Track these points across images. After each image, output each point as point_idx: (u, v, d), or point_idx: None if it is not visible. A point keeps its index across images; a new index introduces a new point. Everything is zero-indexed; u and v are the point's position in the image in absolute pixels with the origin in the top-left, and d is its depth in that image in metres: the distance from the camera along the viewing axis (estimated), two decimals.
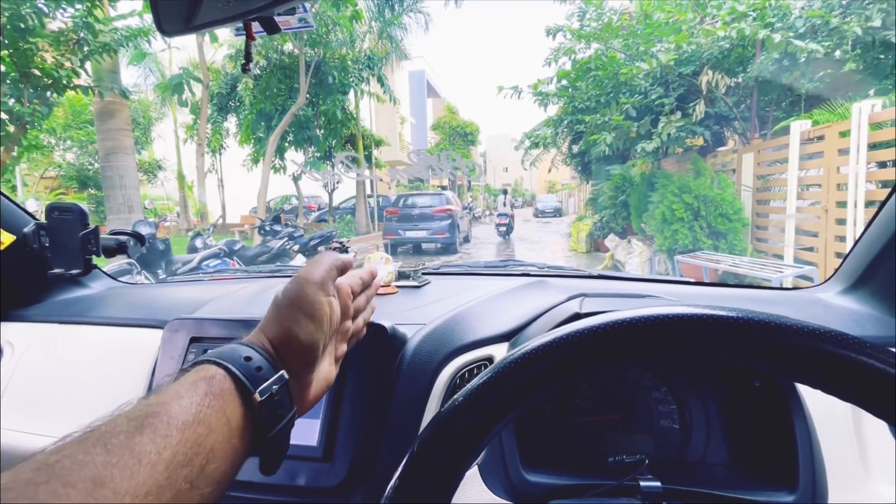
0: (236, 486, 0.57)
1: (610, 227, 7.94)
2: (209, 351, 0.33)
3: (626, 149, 6.77)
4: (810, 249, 4.70)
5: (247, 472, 0.57)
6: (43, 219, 0.87)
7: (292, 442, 0.57)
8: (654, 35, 5.98)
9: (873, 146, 3.82)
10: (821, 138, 4.43)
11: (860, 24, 4.81)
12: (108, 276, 1.18)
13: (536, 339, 0.32)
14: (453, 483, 0.33)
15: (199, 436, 0.26)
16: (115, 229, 1.06)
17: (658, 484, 0.48)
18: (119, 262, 3.90)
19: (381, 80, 10.51)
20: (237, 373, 0.30)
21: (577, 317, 0.60)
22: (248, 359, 0.32)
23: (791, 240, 4.81)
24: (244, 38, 0.53)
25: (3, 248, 0.86)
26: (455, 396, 0.33)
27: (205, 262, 4.64)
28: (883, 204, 0.69)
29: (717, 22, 5.46)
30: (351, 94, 10.80)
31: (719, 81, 5.29)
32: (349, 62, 9.81)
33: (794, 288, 0.91)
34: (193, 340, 0.66)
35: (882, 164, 4.06)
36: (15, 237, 0.88)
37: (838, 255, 4.28)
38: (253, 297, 0.91)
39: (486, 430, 0.31)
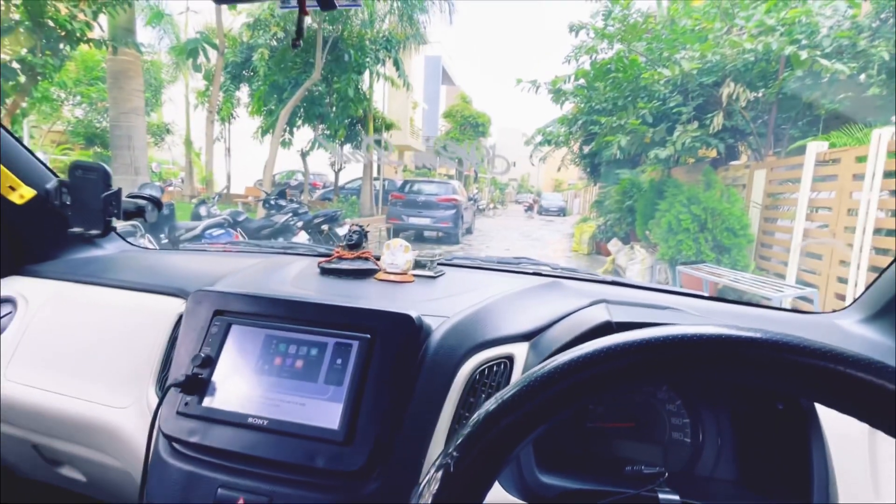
0: (255, 462, 0.57)
1: (613, 231, 7.92)
2: None
3: (638, 154, 6.71)
4: (812, 272, 4.69)
5: (265, 448, 0.58)
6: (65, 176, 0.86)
7: (312, 423, 0.58)
8: (678, 41, 5.90)
9: (889, 174, 3.80)
10: (836, 161, 4.39)
11: (888, 49, 4.76)
12: (122, 238, 1.17)
13: (613, 337, 0.32)
14: (488, 485, 0.33)
15: None
16: (134, 193, 1.05)
17: (677, 497, 0.48)
18: (124, 222, 3.90)
19: (396, 64, 10.38)
20: None
21: (608, 325, 0.60)
22: None
23: (795, 260, 4.80)
24: (295, 11, 0.52)
25: (23, 202, 0.86)
26: (513, 386, 0.32)
27: (208, 231, 4.64)
28: None
29: (744, 34, 5.39)
30: (366, 75, 10.68)
31: (740, 94, 5.23)
32: (367, 42, 9.68)
33: (811, 312, 0.91)
34: (217, 314, 0.66)
35: (895, 193, 4.03)
36: (36, 192, 0.87)
37: (840, 279, 4.28)
38: (267, 273, 0.91)
39: (536, 425, 0.31)
